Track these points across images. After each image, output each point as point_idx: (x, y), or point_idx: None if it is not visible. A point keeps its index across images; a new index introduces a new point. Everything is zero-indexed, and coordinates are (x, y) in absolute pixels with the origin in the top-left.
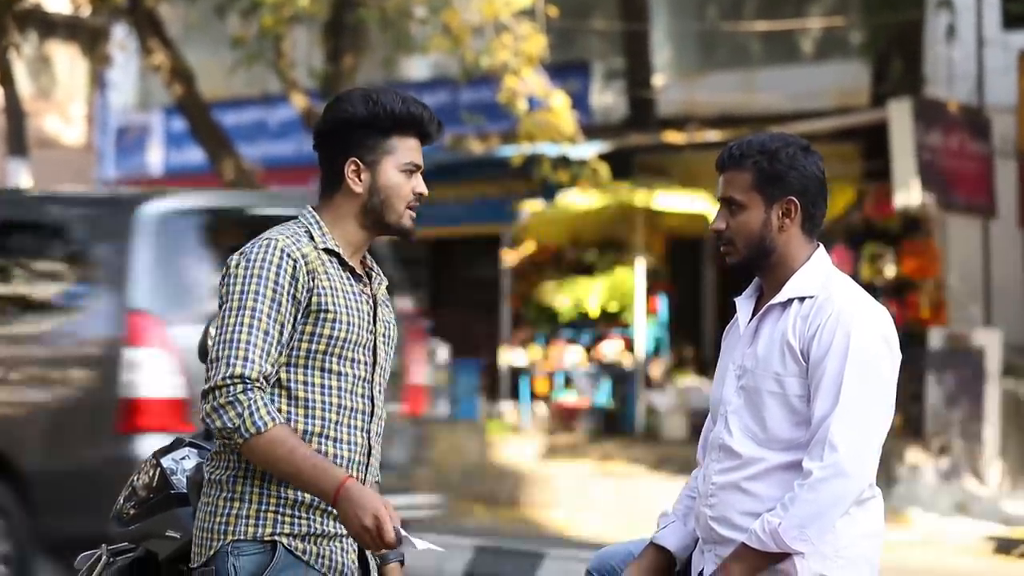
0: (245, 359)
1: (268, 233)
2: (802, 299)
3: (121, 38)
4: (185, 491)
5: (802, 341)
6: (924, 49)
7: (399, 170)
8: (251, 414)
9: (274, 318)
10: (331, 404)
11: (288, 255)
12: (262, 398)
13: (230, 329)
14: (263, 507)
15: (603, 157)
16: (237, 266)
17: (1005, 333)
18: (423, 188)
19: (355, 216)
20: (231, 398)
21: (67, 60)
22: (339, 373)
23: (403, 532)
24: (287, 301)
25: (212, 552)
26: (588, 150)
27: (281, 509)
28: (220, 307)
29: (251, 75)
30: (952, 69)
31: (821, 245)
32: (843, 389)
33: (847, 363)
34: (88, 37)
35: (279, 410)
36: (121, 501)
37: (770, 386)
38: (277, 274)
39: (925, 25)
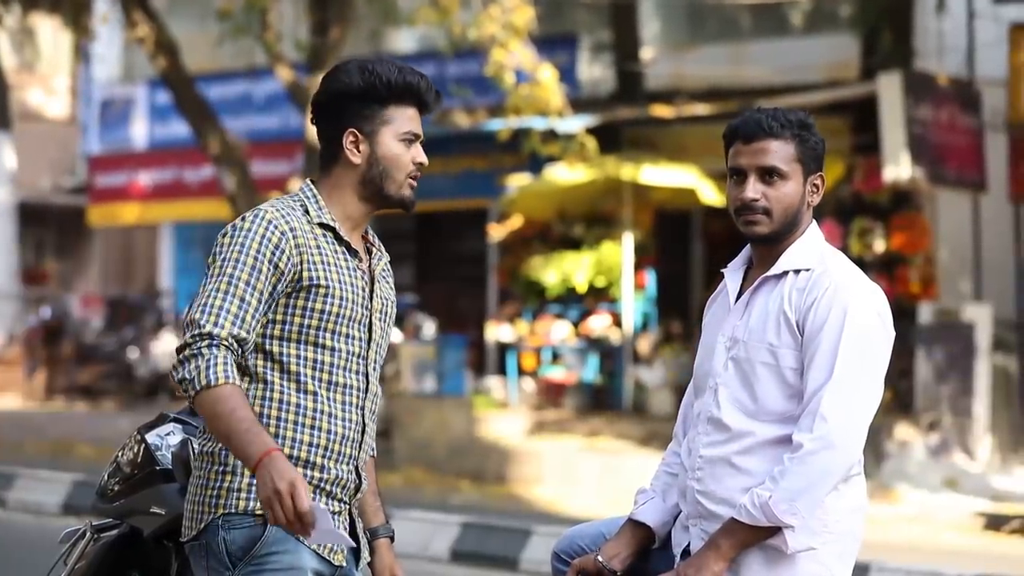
0: (216, 321)
1: (262, 205)
2: (797, 271)
3: (105, 10)
4: (170, 467)
5: (798, 313)
6: (914, 22)
7: (398, 139)
8: (207, 368)
9: (253, 285)
10: (322, 380)
11: (275, 226)
12: (224, 357)
13: (207, 294)
14: (255, 480)
15: (591, 131)
16: (224, 235)
17: (995, 308)
18: (423, 157)
19: (354, 188)
20: (195, 351)
21: (50, 32)
22: (332, 349)
23: (321, 507)
24: (267, 269)
25: (203, 525)
26: (576, 124)
27: None
28: (206, 272)
29: (237, 48)
30: (942, 42)
31: (814, 220)
32: (837, 363)
33: (842, 337)
34: (72, 9)
35: (272, 383)
36: (105, 477)
37: (763, 357)
38: (260, 243)
39: None
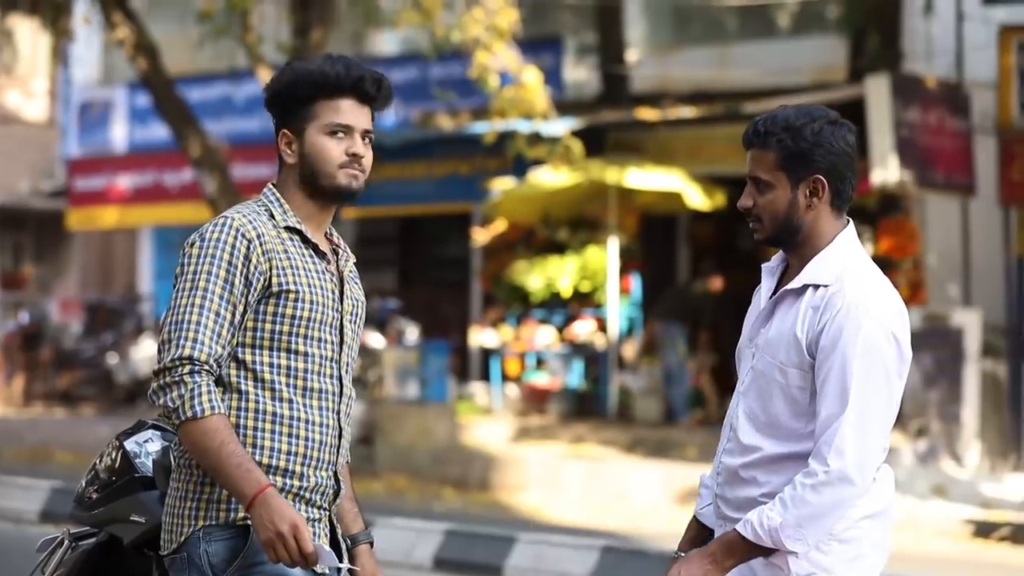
0: (195, 341)
1: (227, 212)
2: (816, 287)
3: (84, 11)
4: (150, 474)
5: (810, 335)
6: (902, 24)
7: (323, 133)
8: (192, 397)
9: (226, 299)
10: (297, 387)
11: (243, 235)
12: (207, 383)
13: (181, 310)
14: (252, 519)
15: (575, 134)
16: (192, 246)
17: (984, 313)
18: (357, 148)
19: (298, 187)
20: (177, 378)
21: (29, 34)
22: (305, 354)
23: (324, 548)
24: (240, 282)
25: (183, 538)
26: (560, 126)
27: None
28: (174, 287)
29: (217, 50)
30: (931, 44)
31: (851, 222)
32: (852, 392)
33: (856, 363)
34: (51, 10)
35: (246, 392)
36: (84, 484)
37: (775, 374)
38: (231, 254)
39: None
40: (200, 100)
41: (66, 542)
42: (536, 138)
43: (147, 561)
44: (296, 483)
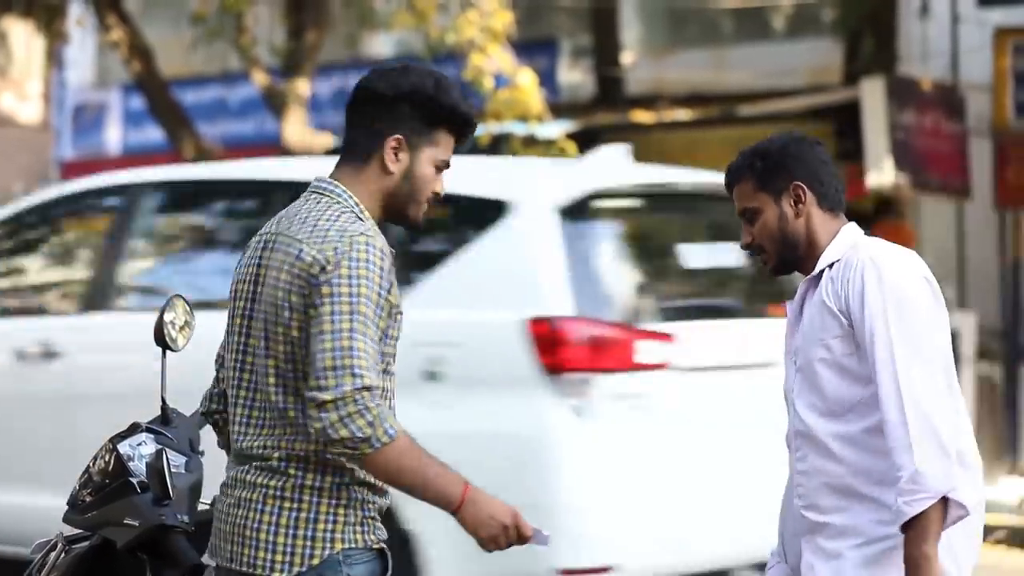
0: (368, 369)
1: (355, 227)
2: (831, 266)
3: (79, 14)
4: (144, 478)
5: (837, 300)
6: (898, 26)
7: (433, 163)
8: (382, 423)
9: (377, 325)
10: (391, 409)
11: (383, 254)
12: (387, 407)
13: (346, 335)
14: (366, 513)
15: (571, 136)
16: (338, 265)
17: (980, 316)
18: (442, 187)
19: (381, 196)
20: (361, 407)
21: (23, 37)
22: (392, 375)
23: (540, 531)
24: (385, 304)
25: (316, 560)
26: (555, 129)
27: (374, 515)
28: (320, 307)
29: (211, 52)
30: (926, 46)
31: (851, 222)
32: (897, 345)
33: (891, 316)
34: (45, 13)
35: None
36: (77, 487)
37: (820, 354)
38: (380, 276)
39: (898, 2)
40: (194, 102)
41: (59, 545)
42: (531, 140)
43: (140, 564)
44: (384, 502)
